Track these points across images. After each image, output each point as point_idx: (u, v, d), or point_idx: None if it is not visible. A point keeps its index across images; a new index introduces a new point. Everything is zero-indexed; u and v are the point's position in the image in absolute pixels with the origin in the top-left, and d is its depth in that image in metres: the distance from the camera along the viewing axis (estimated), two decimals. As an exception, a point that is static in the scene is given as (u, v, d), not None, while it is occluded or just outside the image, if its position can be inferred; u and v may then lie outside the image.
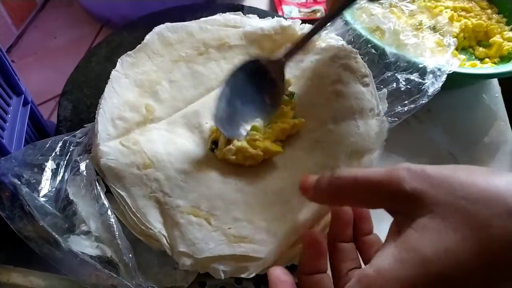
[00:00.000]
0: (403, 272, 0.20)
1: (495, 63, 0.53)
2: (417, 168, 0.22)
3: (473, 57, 0.55)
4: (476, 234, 0.19)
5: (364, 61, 0.43)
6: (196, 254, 0.31)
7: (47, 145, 0.36)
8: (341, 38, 0.46)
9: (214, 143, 0.37)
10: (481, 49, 0.54)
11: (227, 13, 0.46)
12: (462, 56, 0.53)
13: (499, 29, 0.55)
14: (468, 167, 0.22)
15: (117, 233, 0.32)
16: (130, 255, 0.32)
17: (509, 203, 0.20)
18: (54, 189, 0.34)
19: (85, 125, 0.39)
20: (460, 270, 0.19)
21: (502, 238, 0.19)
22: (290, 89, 0.41)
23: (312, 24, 0.46)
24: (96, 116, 0.37)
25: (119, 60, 0.41)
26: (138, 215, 0.33)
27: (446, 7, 0.56)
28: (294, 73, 0.43)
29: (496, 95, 0.55)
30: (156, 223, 0.33)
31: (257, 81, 0.37)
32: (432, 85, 0.42)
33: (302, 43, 0.38)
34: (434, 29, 0.50)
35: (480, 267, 0.19)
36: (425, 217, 0.21)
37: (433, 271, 0.19)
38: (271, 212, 0.33)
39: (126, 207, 0.33)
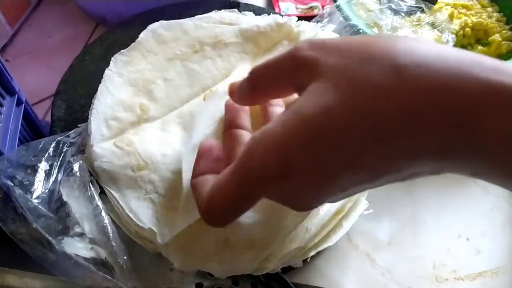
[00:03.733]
0: (283, 131, 0.20)
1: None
2: (317, 40, 0.22)
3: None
4: (356, 90, 0.19)
5: (362, 58, 0.43)
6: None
7: (40, 146, 0.35)
8: (338, 35, 0.45)
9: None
10: (479, 47, 0.54)
11: (222, 10, 0.46)
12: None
13: (498, 28, 0.55)
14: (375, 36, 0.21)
15: (111, 234, 0.32)
16: (125, 257, 0.32)
17: (396, 58, 0.19)
18: (47, 190, 0.33)
19: (79, 125, 0.38)
20: (338, 125, 0.19)
21: (378, 91, 0.18)
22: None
23: (309, 21, 0.46)
24: (89, 116, 0.37)
25: (112, 58, 0.41)
26: (131, 215, 0.32)
27: (447, 4, 0.56)
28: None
29: (496, 91, 0.55)
30: (149, 224, 0.32)
31: None
32: (431, 82, 0.41)
33: None
34: (432, 25, 0.49)
35: (355, 119, 0.19)
36: (315, 82, 0.21)
37: (312, 128, 0.20)
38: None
39: (120, 209, 0.33)
